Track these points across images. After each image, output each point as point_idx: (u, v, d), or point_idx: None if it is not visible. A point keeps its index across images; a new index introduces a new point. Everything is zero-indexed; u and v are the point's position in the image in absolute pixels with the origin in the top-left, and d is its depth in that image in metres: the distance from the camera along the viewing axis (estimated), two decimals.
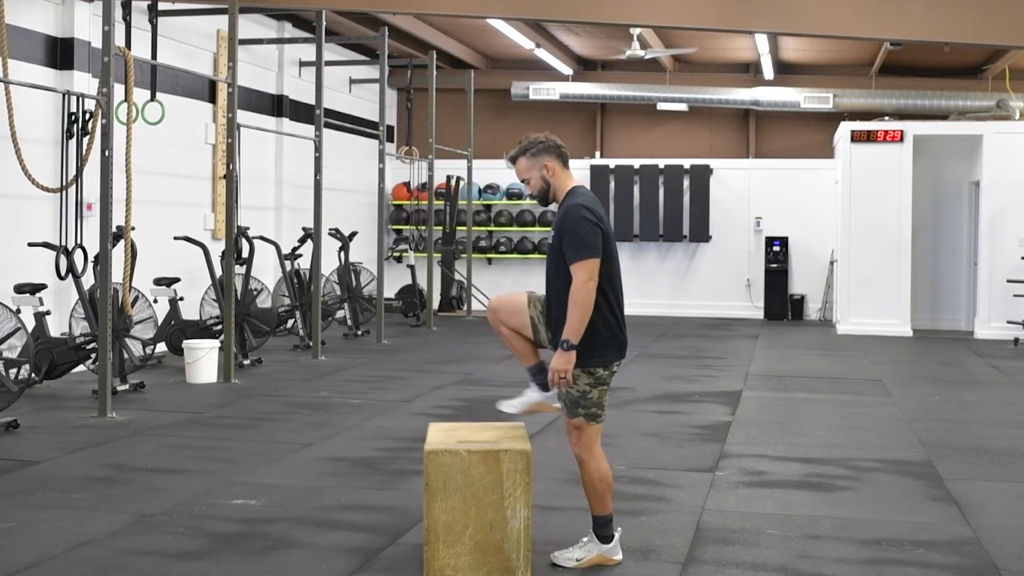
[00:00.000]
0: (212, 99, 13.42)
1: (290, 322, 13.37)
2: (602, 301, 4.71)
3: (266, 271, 13.83)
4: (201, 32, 13.14)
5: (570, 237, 4.67)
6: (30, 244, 9.75)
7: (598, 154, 19.30)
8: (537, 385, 4.93)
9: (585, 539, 4.90)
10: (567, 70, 18.47)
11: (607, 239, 4.74)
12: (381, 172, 14.23)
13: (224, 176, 11.30)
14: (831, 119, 17.93)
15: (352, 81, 17.48)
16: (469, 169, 17.68)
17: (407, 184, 18.79)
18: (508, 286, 18.29)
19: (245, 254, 11.67)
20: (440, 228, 17.92)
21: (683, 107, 18.72)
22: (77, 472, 6.58)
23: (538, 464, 4.87)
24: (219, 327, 11.11)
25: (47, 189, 9.02)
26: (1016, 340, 14.51)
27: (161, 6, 11.27)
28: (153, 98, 10.61)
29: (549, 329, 4.85)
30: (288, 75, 15.42)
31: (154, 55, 10.71)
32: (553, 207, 5.06)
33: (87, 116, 9.57)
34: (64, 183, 9.47)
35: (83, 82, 10.86)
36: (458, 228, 18.18)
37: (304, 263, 13.69)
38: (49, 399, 9.11)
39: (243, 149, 11.78)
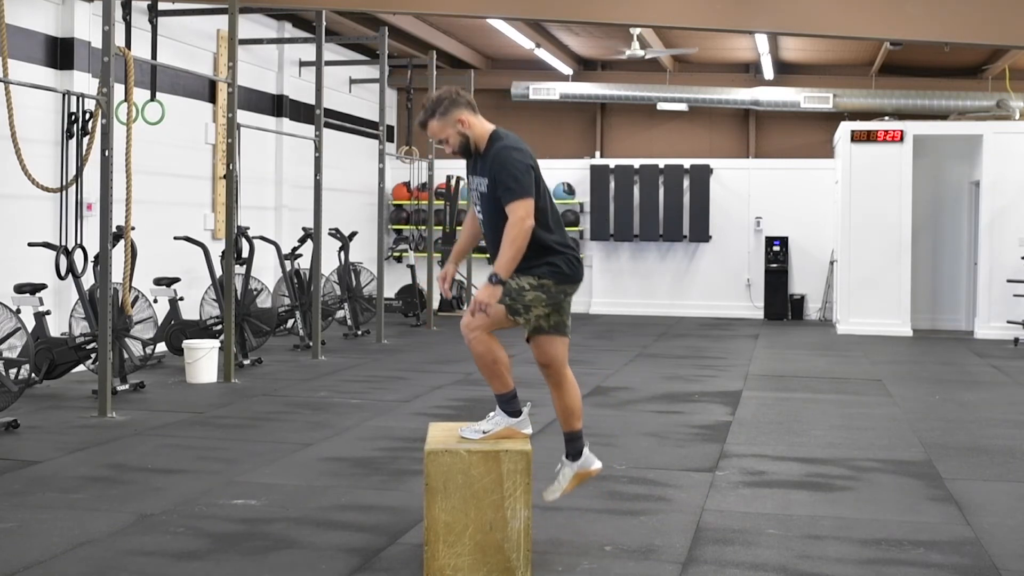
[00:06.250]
0: (212, 99, 13.42)
1: (290, 322, 13.37)
2: (547, 235, 4.77)
3: (266, 271, 13.83)
4: (201, 32, 13.14)
5: (504, 179, 4.69)
6: (30, 244, 9.75)
7: (598, 154, 19.28)
8: (505, 413, 4.78)
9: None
10: (567, 70, 18.46)
11: (538, 177, 4.80)
12: (381, 172, 14.23)
13: (224, 176, 11.30)
14: (831, 119, 17.92)
15: (352, 81, 17.47)
16: None
17: (407, 184, 18.80)
18: None
19: (245, 254, 11.68)
20: (440, 228, 17.93)
21: (683, 107, 18.72)
22: (77, 472, 6.58)
23: (538, 464, 4.86)
24: (219, 327, 11.11)
25: (47, 189, 9.02)
26: (1016, 340, 14.51)
27: (161, 6, 11.27)
28: (153, 98, 10.61)
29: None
30: (288, 75, 15.42)
31: (154, 55, 10.71)
32: None
33: (87, 116, 9.59)
34: (64, 183, 9.48)
35: (83, 82, 10.86)
36: (458, 228, 18.18)
37: (304, 263, 13.69)
38: (49, 399, 9.11)
39: (243, 149, 11.79)
